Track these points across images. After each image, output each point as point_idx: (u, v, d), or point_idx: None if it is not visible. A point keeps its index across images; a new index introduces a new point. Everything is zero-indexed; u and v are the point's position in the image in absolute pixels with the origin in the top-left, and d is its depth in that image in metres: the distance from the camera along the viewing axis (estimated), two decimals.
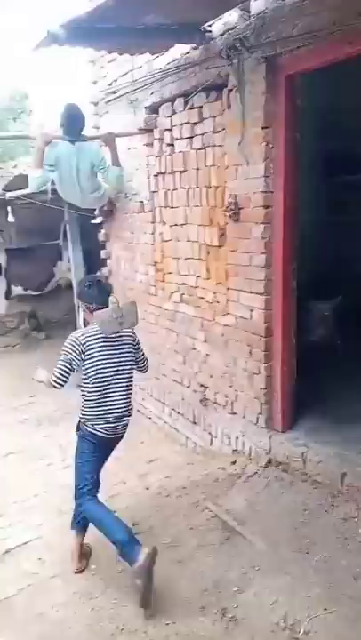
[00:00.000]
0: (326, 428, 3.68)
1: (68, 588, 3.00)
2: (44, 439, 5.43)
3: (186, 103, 4.11)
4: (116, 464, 4.54)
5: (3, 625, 2.80)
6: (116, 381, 3.02)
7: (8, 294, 8.72)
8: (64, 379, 2.92)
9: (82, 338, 2.95)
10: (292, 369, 3.71)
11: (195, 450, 4.60)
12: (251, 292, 3.65)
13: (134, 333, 3.15)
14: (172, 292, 4.76)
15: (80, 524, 3.09)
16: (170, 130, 4.43)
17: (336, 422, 3.73)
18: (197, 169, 4.12)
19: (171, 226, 4.64)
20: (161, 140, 4.60)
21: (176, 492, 3.78)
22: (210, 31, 3.63)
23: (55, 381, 2.92)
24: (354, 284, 5.06)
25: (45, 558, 3.30)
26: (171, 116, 4.39)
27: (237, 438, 4.02)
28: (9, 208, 7.29)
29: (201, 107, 3.96)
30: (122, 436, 3.19)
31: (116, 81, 5.26)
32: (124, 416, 3.08)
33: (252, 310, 3.68)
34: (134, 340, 3.14)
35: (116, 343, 3.02)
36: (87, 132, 4.68)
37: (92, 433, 3.03)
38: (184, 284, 4.55)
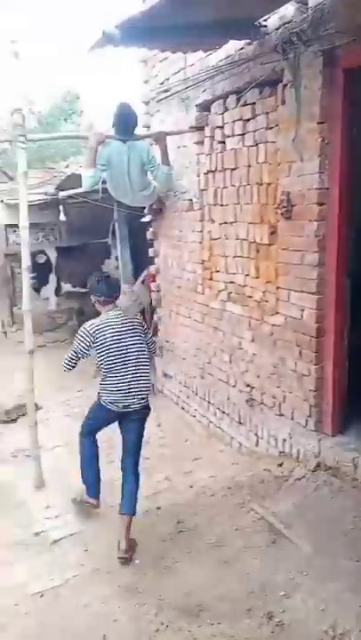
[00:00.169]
0: None
1: (113, 581, 3.03)
2: None
3: (238, 100, 4.07)
4: (160, 461, 4.58)
5: (49, 614, 2.87)
6: (125, 362, 3.45)
7: (58, 291, 8.94)
8: (72, 364, 3.57)
9: (90, 329, 3.46)
10: (344, 371, 3.60)
11: (240, 450, 4.55)
12: (302, 292, 3.58)
13: (142, 319, 3.70)
14: (220, 291, 4.73)
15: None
16: (221, 127, 4.40)
17: None
18: (249, 166, 4.07)
19: (220, 224, 4.61)
20: (212, 137, 4.58)
21: (221, 491, 3.75)
22: (265, 26, 3.57)
23: (64, 365, 3.58)
24: None
25: (91, 550, 3.36)
26: (222, 114, 4.36)
27: (285, 440, 3.95)
28: (61, 207, 7.48)
29: (254, 103, 3.91)
30: (139, 417, 3.53)
31: (167, 79, 5.28)
32: (131, 394, 3.45)
33: (302, 310, 3.60)
34: (142, 325, 3.64)
35: (125, 329, 3.49)
36: (138, 131, 4.71)
37: (101, 404, 3.54)
38: (232, 282, 4.51)
